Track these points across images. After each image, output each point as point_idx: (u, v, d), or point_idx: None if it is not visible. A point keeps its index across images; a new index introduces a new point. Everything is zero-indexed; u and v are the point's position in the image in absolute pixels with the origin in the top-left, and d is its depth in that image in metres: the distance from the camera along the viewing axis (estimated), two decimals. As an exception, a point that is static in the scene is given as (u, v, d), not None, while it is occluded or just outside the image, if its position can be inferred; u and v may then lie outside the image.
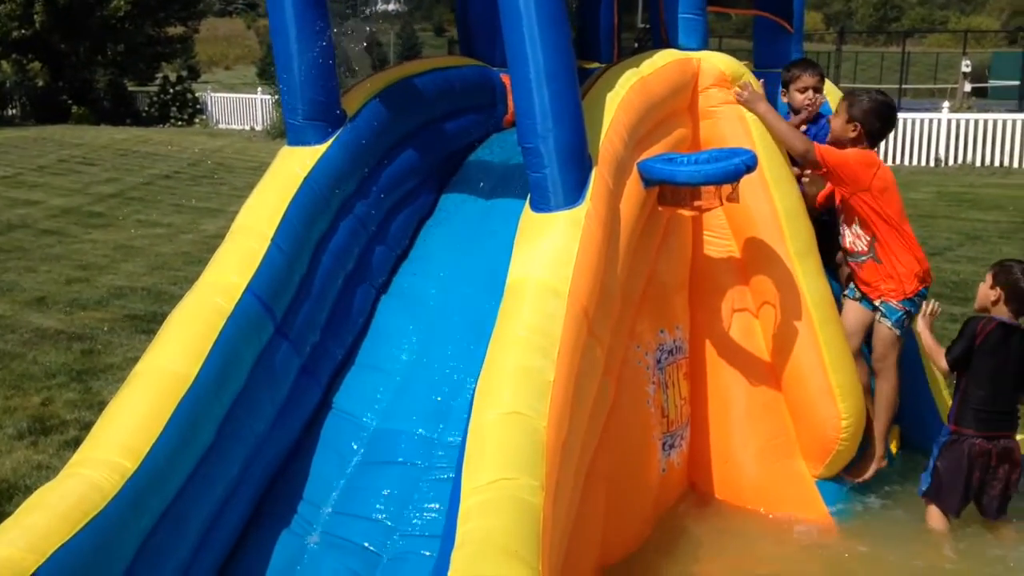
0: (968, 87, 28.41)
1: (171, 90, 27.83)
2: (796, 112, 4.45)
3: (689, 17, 3.89)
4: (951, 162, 19.54)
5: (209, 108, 27.46)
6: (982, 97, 32.83)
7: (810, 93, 4.37)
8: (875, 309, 4.22)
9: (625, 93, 3.50)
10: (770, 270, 3.95)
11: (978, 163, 19.31)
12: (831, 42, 34.27)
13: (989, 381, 3.94)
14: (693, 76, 3.86)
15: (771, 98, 4.48)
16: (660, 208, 3.64)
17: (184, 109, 27.35)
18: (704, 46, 3.95)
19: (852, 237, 4.16)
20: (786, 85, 4.44)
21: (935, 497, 4.01)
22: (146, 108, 28.11)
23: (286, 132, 3.64)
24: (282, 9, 3.45)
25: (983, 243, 11.60)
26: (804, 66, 4.43)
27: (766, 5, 4.74)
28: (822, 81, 4.42)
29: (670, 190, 3.61)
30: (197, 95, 28.10)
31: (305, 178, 3.54)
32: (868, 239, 4.10)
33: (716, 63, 3.86)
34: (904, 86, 31.77)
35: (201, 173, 17.16)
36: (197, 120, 27.04)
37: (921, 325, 4.10)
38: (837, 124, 4.10)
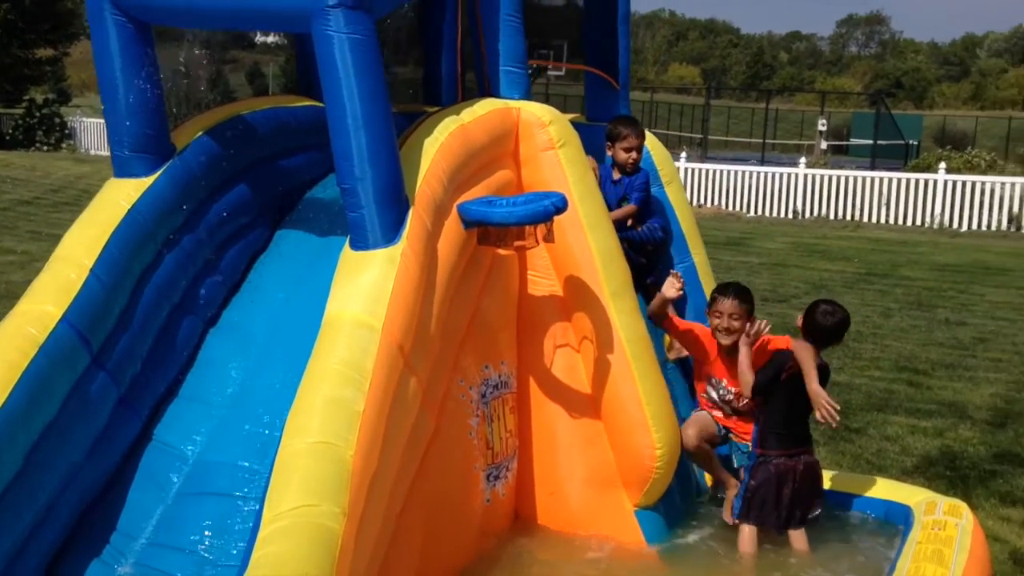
0: (824, 144, 30.09)
1: (38, 113, 26.87)
2: (620, 167, 4.76)
3: (511, 70, 4.12)
4: (808, 215, 20.64)
5: (79, 133, 26.63)
6: (844, 155, 34.80)
7: (633, 153, 4.71)
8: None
9: (444, 139, 3.67)
10: (588, 308, 4.18)
11: (832, 216, 20.47)
12: (705, 96, 35.77)
13: (786, 407, 4.32)
14: (514, 125, 4.08)
15: (598, 149, 4.77)
16: (479, 247, 3.81)
17: (51, 133, 26.45)
18: (527, 96, 4.18)
19: (729, 393, 4.60)
20: (611, 140, 4.74)
21: (751, 517, 4.32)
22: (10, 131, 27.03)
23: (112, 163, 3.67)
24: (107, 43, 3.49)
25: (827, 291, 12.29)
26: (629, 125, 4.75)
27: (593, 61, 5.03)
28: (643, 140, 4.76)
29: (494, 231, 3.79)
30: (66, 119, 27.22)
31: (129, 210, 3.57)
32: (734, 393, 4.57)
33: (535, 112, 4.09)
34: (772, 141, 33.41)
35: (64, 200, 16.64)
36: (64, 145, 26.17)
37: (743, 343, 4.41)
38: (742, 325, 4.48)
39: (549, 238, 3.77)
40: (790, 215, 20.62)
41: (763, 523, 4.32)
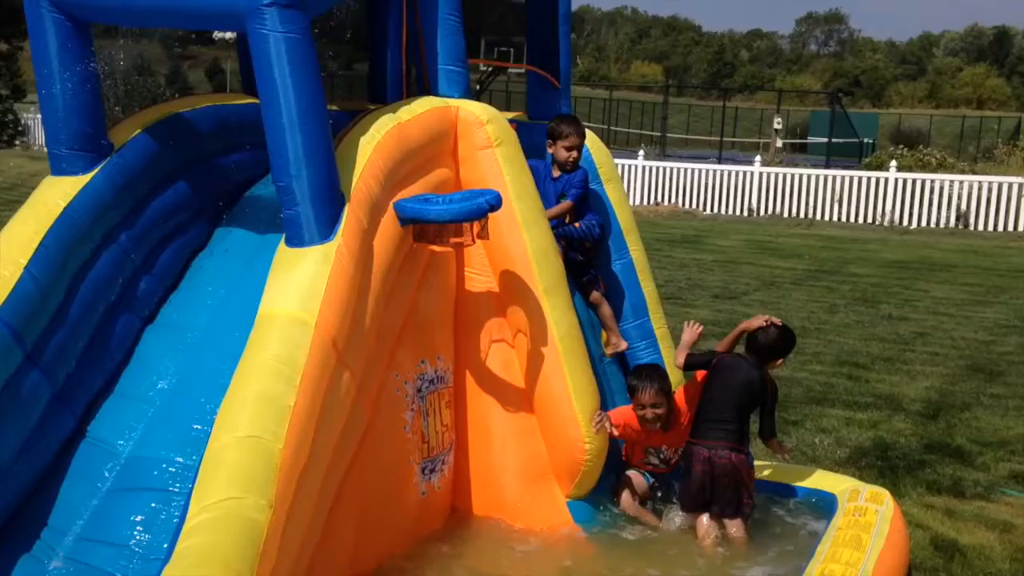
0: (780, 143, 30.46)
1: (-10, 109, 26.49)
2: (560, 165, 4.84)
3: (450, 68, 4.19)
4: (762, 212, 20.90)
5: (33, 130, 26.25)
6: (802, 153, 35.26)
7: (574, 152, 4.80)
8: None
9: (381, 137, 3.73)
10: (522, 304, 4.27)
11: (786, 214, 20.75)
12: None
13: (713, 399, 4.48)
14: (452, 123, 4.15)
15: (539, 147, 4.85)
16: (416, 244, 3.88)
17: (4, 129, 26.05)
18: (466, 95, 4.25)
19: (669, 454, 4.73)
20: (552, 138, 4.82)
21: (683, 502, 4.50)
22: (-39, 127, 26.62)
23: (49, 161, 3.69)
24: (45, 41, 3.51)
25: (776, 288, 12.51)
26: (571, 124, 4.83)
27: (534, 60, 5.11)
28: (583, 138, 4.85)
29: (431, 228, 3.87)
30: (20, 116, 26.81)
31: (65, 208, 3.58)
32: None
33: (473, 111, 4.16)
34: (732, 139, 33.79)
35: (15, 198, 16.40)
36: (17, 142, 25.78)
37: (686, 334, 4.57)
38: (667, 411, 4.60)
39: (484, 235, 3.85)
40: (745, 213, 20.88)
41: (684, 503, 4.48)
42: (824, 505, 4.56)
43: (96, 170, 3.70)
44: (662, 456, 4.72)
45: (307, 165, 3.40)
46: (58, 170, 3.69)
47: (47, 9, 3.53)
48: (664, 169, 21.91)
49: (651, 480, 4.73)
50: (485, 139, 4.16)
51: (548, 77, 5.07)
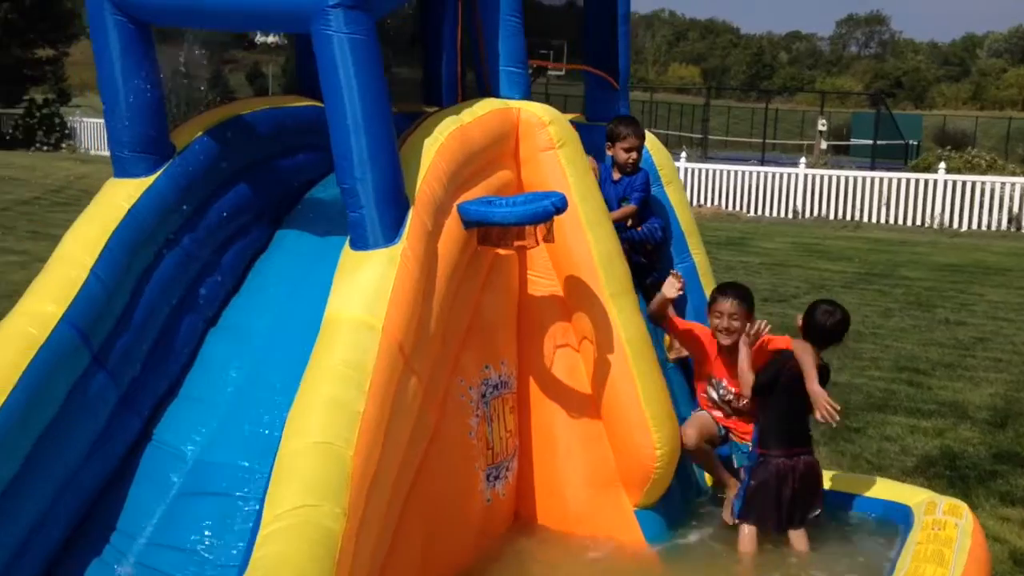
0: (824, 144, 30.09)
1: (38, 113, 26.86)
2: (620, 167, 4.76)
3: (511, 70, 4.11)
4: (807, 215, 20.65)
5: (78, 133, 26.63)
6: (844, 155, 34.81)
7: (634, 154, 4.71)
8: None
9: (444, 139, 3.67)
10: (588, 308, 4.18)
11: (832, 216, 20.47)
12: (705, 96, 35.76)
13: (786, 407, 4.32)
14: (514, 124, 4.08)
15: (598, 149, 4.77)
16: (479, 247, 3.81)
17: (51, 133, 26.45)
18: (526, 96, 4.18)
19: (728, 393, 4.59)
20: (611, 140, 4.74)
21: (750, 517, 4.31)
22: (11, 131, 27.03)
23: (112, 164, 3.67)
24: (107, 44, 3.49)
25: (826, 291, 12.30)
26: (630, 125, 4.75)
27: (592, 61, 5.03)
28: (643, 140, 4.76)
29: (495, 231, 3.80)
30: (66, 119, 27.22)
31: (130, 209, 3.56)
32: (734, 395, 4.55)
33: (535, 112, 4.09)
34: (773, 141, 33.41)
35: (64, 200, 16.64)
36: (64, 145, 26.17)
37: (743, 343, 4.41)
38: (742, 326, 4.48)
39: (549, 238, 3.78)
40: (790, 215, 20.63)
41: (762, 523, 4.32)
42: (897, 517, 4.42)
43: (159, 172, 3.67)
44: (721, 392, 4.58)
45: (372, 167, 3.34)
46: (121, 172, 3.66)
47: (110, 12, 3.50)
48: (707, 171, 21.71)
49: (723, 431, 4.63)
50: (547, 140, 4.08)
51: (607, 78, 4.98)
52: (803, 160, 22.32)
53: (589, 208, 4.13)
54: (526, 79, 4.15)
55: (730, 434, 4.67)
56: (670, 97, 45.96)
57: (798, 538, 4.34)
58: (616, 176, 4.77)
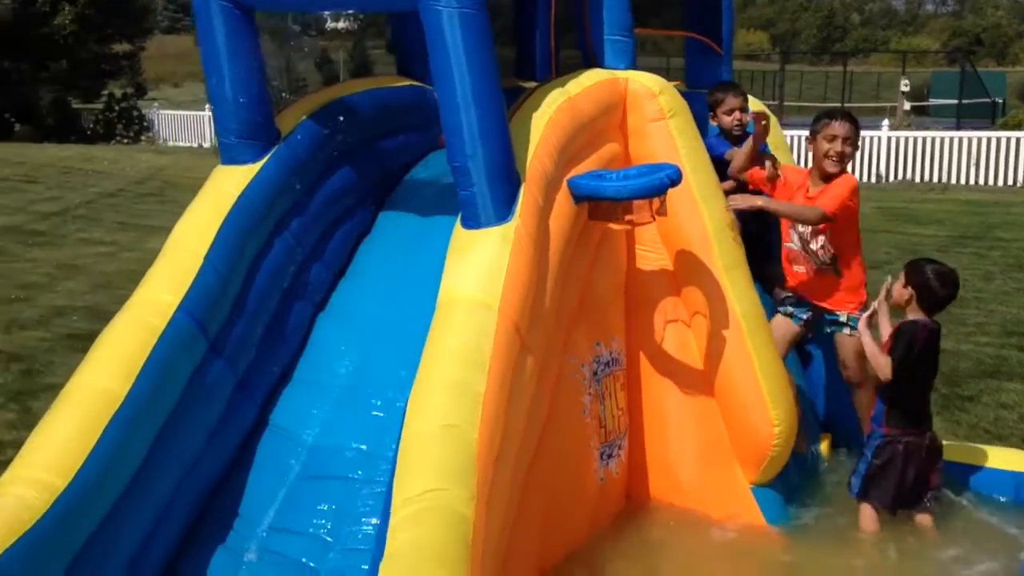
0: (907, 106, 29.09)
1: (117, 107, 27.50)
2: (726, 134, 4.58)
3: (616, 39, 3.99)
4: (891, 178, 20.01)
5: (156, 125, 27.18)
6: (923, 115, 33.69)
7: (736, 115, 4.52)
8: (808, 324, 4.37)
9: (553, 113, 3.58)
10: (701, 283, 4.05)
11: (917, 179, 19.79)
12: (776, 62, 34.91)
13: (916, 383, 4.12)
14: (621, 95, 3.96)
15: (700, 117, 4.61)
16: (592, 222, 3.72)
17: (130, 126, 27.03)
18: (632, 66, 4.05)
19: (819, 249, 4.36)
20: (712, 109, 4.57)
21: (870, 496, 4.14)
22: (91, 125, 27.74)
23: (219, 151, 3.66)
24: (212, 31, 3.48)
25: (920, 256, 11.87)
26: (727, 89, 4.58)
27: (696, 27, 4.87)
28: (746, 101, 4.57)
29: (604, 205, 3.70)
30: (144, 112, 27.80)
31: (239, 196, 3.56)
32: (832, 252, 4.30)
33: (643, 82, 3.96)
34: (847, 104, 32.46)
35: (147, 191, 16.98)
36: (143, 137, 26.74)
37: (863, 329, 4.22)
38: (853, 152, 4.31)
39: (662, 211, 3.66)
40: (873, 179, 20.03)
41: (881, 503, 4.14)
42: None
43: (266, 158, 3.66)
44: (800, 229, 4.36)
45: (483, 143, 3.27)
46: (229, 159, 3.66)
47: (215, -1, 3.49)
48: (787, 138, 21.17)
49: (804, 316, 4.43)
50: (657, 111, 3.95)
51: (709, 43, 4.81)
52: (886, 122, 21.62)
53: (701, 180, 3.99)
54: (632, 48, 4.02)
55: (810, 313, 4.42)
56: (740, 65, 44.88)
57: (922, 517, 4.16)
58: (732, 148, 4.58)
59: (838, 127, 4.30)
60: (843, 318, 4.43)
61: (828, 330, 4.51)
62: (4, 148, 23.38)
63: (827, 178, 4.35)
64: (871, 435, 4.23)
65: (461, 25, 3.18)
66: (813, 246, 4.39)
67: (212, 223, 3.50)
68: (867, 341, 4.14)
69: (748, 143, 4.42)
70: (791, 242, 4.48)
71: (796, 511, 4.32)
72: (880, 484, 4.12)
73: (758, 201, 4.23)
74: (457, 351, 3.08)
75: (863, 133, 20.33)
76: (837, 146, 4.28)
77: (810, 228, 4.36)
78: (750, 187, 4.48)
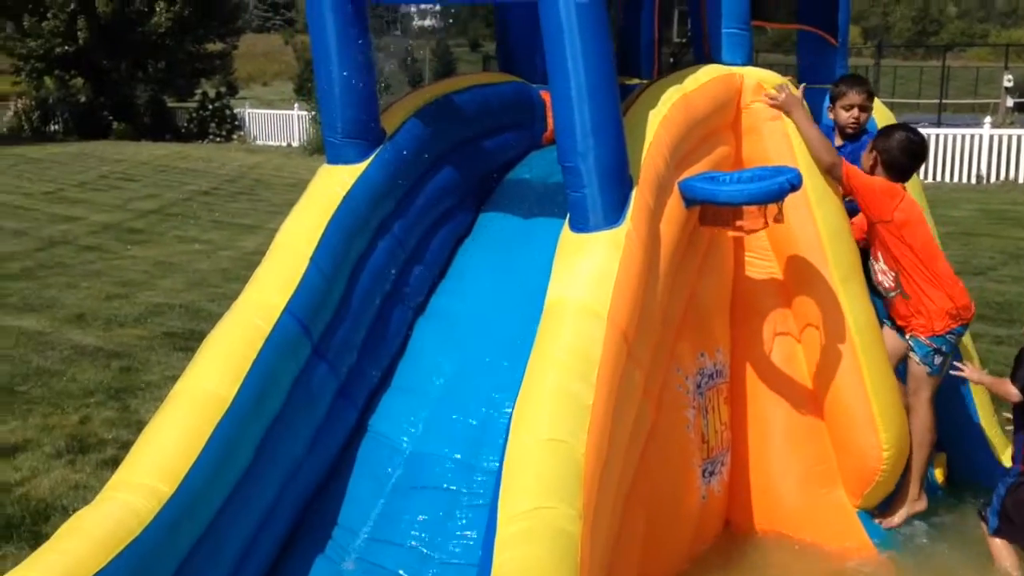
0: (1011, 102, 27.93)
1: (210, 106, 28.16)
2: (840, 130, 4.35)
3: (733, 32, 3.82)
4: (993, 179, 19.21)
5: (247, 124, 27.73)
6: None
7: (855, 112, 4.27)
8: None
9: (667, 110, 3.44)
10: (813, 293, 3.86)
11: (1021, 180, 18.97)
12: (869, 56, 33.91)
13: None
14: (736, 92, 3.79)
15: (815, 112, 4.40)
16: (702, 228, 3.56)
17: (222, 125, 27.64)
18: (749, 61, 3.88)
19: (879, 274, 4.08)
20: (834, 101, 4.35)
21: (1008, 536, 3.84)
22: (185, 124, 28.46)
23: (325, 150, 3.61)
24: (323, 27, 3.42)
25: (1026, 262, 11.35)
26: (852, 83, 4.33)
27: (810, 19, 4.65)
28: (870, 99, 4.31)
29: (712, 210, 3.54)
30: (235, 111, 28.41)
31: (344, 197, 3.50)
32: (894, 274, 4.01)
33: (761, 79, 3.78)
34: (944, 101, 31.37)
35: (239, 189, 17.32)
36: (235, 136, 27.32)
37: (971, 372, 3.95)
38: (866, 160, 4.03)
39: (779, 218, 3.46)
40: (973, 180, 19.25)
41: (1016, 541, 3.85)
42: None
43: (371, 158, 3.60)
44: (877, 268, 4.05)
45: (596, 141, 3.14)
46: (335, 158, 3.61)
47: (328, -7, 3.42)
48: (880, 136, 20.48)
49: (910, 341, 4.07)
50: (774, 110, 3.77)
51: (824, 35, 4.59)
52: (988, 120, 20.77)
53: (817, 183, 3.80)
54: (749, 41, 3.84)
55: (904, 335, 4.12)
56: (830, 60, 43.81)
57: None
58: (838, 142, 4.34)
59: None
60: (908, 337, 4.08)
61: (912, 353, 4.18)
62: (104, 146, 24.18)
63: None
64: (1009, 471, 3.93)
65: (579, 17, 3.06)
66: (876, 278, 4.09)
67: (318, 224, 3.45)
68: (981, 377, 3.88)
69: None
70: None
71: (905, 536, 4.09)
72: (1014, 525, 3.81)
73: (796, 110, 3.85)
74: (564, 360, 2.96)
75: (962, 131, 19.44)
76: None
77: (871, 256, 4.08)
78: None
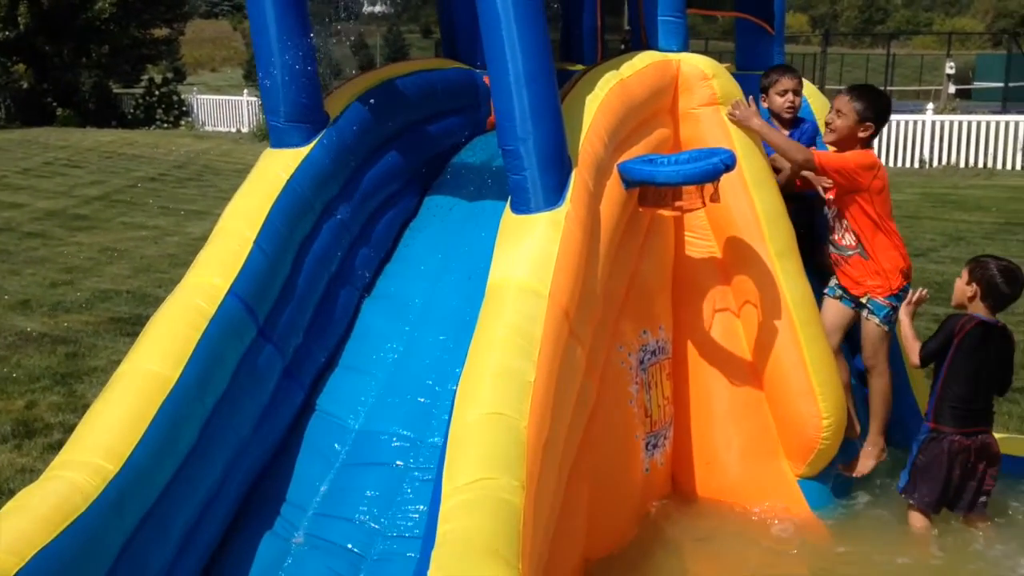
0: (952, 89, 28.57)
1: (156, 92, 27.73)
2: (777, 116, 4.47)
3: (669, 19, 3.91)
4: (935, 163, 19.65)
5: (195, 110, 27.37)
6: (967, 99, 33.04)
7: (789, 96, 4.40)
8: (858, 307, 4.27)
9: (604, 95, 3.52)
10: (751, 270, 3.98)
11: (962, 164, 19.43)
12: (816, 44, 34.38)
13: (968, 379, 3.97)
14: (673, 78, 3.89)
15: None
16: (641, 209, 3.66)
17: (170, 111, 27.25)
18: (685, 48, 3.97)
19: (841, 231, 4.22)
20: (765, 90, 4.47)
21: (913, 493, 4.04)
22: (131, 110, 28.00)
23: (268, 134, 3.64)
24: (263, 11, 3.45)
25: (967, 244, 11.67)
26: (782, 70, 4.46)
27: (747, 7, 4.76)
28: (800, 84, 4.46)
29: (652, 191, 3.64)
30: (183, 97, 28.01)
31: (288, 180, 3.54)
32: (856, 235, 4.16)
33: (696, 64, 3.88)
34: (890, 88, 31.89)
35: (187, 175, 17.14)
36: (183, 122, 26.95)
37: (903, 314, 4.09)
38: (844, 125, 4.13)
39: (715, 198, 3.58)
40: (916, 164, 19.68)
41: (925, 505, 4.02)
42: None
43: (315, 142, 3.64)
44: (829, 228, 4.24)
45: (535, 126, 3.22)
46: (278, 142, 3.64)
47: (265, -21, 3.45)
48: (826, 122, 20.83)
49: (850, 303, 4.27)
50: (710, 95, 3.88)
51: (762, 24, 4.70)
52: (930, 106, 21.25)
53: (753, 166, 3.91)
54: (685, 29, 3.94)
55: (848, 297, 4.28)
56: (779, 47, 44.31)
57: (972, 518, 4.05)
58: (779, 130, 4.47)
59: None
60: (864, 300, 4.24)
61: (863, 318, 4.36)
62: (47, 132, 23.70)
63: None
64: (920, 429, 4.12)
65: (515, 6, 3.13)
66: (836, 236, 4.24)
67: (261, 207, 3.48)
68: (905, 323, 4.03)
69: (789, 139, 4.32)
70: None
71: (844, 503, 4.24)
72: (925, 481, 4.00)
73: (755, 121, 3.98)
74: (506, 338, 3.04)
75: (906, 117, 19.74)
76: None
77: (832, 216, 4.23)
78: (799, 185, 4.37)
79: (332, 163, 3.66)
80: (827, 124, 4.22)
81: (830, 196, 4.21)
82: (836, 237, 4.24)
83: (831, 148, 4.23)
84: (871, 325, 4.22)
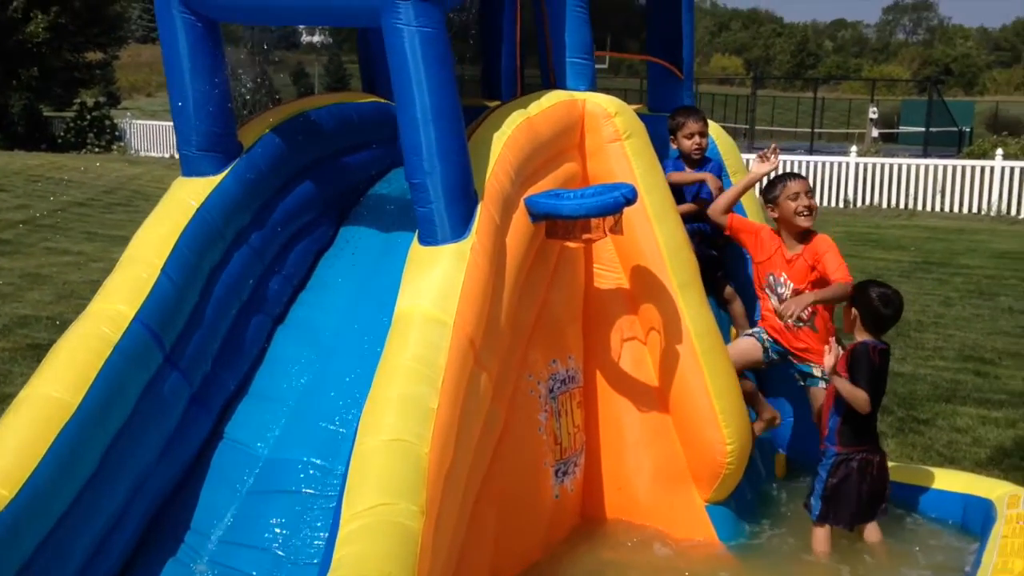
0: (876, 132, 29.56)
1: (88, 116, 27.31)
2: (686, 157, 4.66)
3: (576, 61, 4.05)
4: (859, 204, 20.30)
5: (128, 135, 27.03)
6: (892, 143, 34.18)
7: (696, 139, 4.59)
8: (788, 366, 4.52)
9: (511, 132, 3.63)
10: (656, 301, 4.11)
11: (884, 205, 20.10)
12: (748, 87, 35.27)
13: (871, 400, 4.16)
14: (579, 116, 4.02)
15: (661, 140, 4.69)
16: (549, 240, 3.77)
17: (102, 135, 26.87)
18: (592, 88, 4.12)
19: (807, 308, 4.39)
20: (673, 132, 4.65)
21: (829, 517, 4.19)
22: (62, 134, 27.52)
23: (180, 163, 3.68)
24: (175, 40, 3.50)
25: (884, 280, 12.03)
26: (688, 113, 4.65)
27: (658, 52, 4.94)
28: (706, 125, 4.65)
29: (560, 224, 3.75)
30: (116, 122, 27.64)
31: (198, 208, 3.57)
32: (811, 310, 4.35)
33: (600, 103, 4.02)
34: (819, 130, 32.89)
35: (116, 201, 16.86)
36: (115, 147, 26.57)
37: (838, 371, 4.21)
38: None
39: (617, 230, 3.71)
40: (841, 204, 20.30)
41: (839, 522, 4.20)
42: (978, 511, 4.29)
43: (227, 171, 3.68)
44: (779, 290, 4.43)
45: (441, 161, 3.31)
46: (189, 171, 3.67)
47: (178, 10, 3.51)
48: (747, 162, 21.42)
49: (775, 355, 4.50)
50: (613, 132, 4.02)
51: (671, 67, 4.89)
52: (854, 148, 21.95)
53: (656, 200, 4.05)
54: (592, 70, 4.08)
55: (789, 355, 4.50)
56: (713, 88, 45.42)
57: (872, 531, 4.23)
58: (686, 170, 4.66)
59: (798, 184, 4.41)
60: (818, 372, 4.46)
61: (801, 383, 4.56)
62: (-28, 155, 23.14)
63: (802, 236, 4.43)
64: (824, 454, 4.29)
65: (421, 44, 3.23)
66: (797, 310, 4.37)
67: (170, 235, 3.51)
68: (841, 383, 4.16)
69: (729, 192, 4.53)
70: (770, 301, 4.51)
71: (751, 530, 4.36)
72: (839, 503, 4.17)
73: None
74: (410, 367, 3.11)
75: (831, 159, 20.45)
76: (804, 200, 4.37)
77: (791, 289, 4.42)
78: (726, 232, 4.59)
79: (244, 192, 3.70)
80: (808, 208, 4.37)
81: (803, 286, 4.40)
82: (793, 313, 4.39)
83: (807, 224, 4.40)
84: (818, 390, 4.46)
